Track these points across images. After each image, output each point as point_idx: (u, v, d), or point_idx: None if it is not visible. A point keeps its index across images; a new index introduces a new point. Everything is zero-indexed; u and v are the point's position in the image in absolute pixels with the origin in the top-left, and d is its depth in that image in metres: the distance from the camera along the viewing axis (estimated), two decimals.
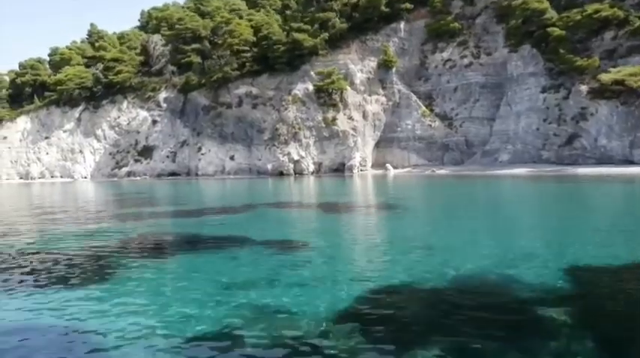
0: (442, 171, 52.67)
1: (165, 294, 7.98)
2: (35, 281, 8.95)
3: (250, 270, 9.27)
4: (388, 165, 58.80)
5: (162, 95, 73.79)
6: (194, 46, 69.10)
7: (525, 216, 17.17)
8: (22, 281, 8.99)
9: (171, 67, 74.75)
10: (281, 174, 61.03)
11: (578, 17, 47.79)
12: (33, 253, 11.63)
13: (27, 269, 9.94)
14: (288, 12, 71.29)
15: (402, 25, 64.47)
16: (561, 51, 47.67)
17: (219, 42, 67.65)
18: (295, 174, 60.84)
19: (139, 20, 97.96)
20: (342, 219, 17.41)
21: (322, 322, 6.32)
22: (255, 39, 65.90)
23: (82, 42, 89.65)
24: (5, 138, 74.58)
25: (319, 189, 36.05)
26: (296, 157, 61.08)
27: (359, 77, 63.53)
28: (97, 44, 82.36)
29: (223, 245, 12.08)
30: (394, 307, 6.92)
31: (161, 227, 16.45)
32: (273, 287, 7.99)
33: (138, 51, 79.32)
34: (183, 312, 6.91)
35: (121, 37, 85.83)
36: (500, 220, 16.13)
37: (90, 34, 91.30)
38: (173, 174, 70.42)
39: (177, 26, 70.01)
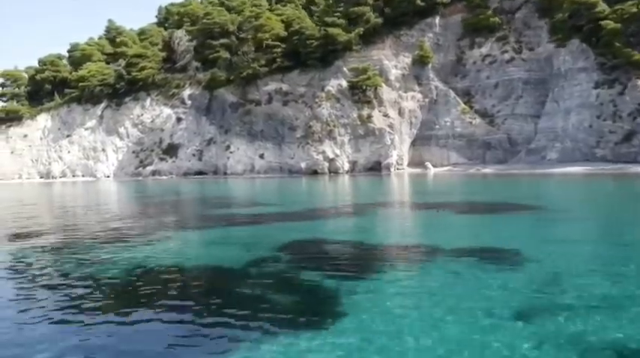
0: (487, 170, 50.88)
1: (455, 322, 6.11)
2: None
3: (507, 292, 7.36)
4: (428, 164, 56.94)
5: (187, 92, 71.89)
6: (222, 41, 67.11)
7: None
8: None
9: (195, 63, 72.88)
10: (315, 173, 59.19)
11: (634, 10, 45.96)
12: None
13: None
14: (313, 7, 69.37)
15: (437, 19, 62.73)
16: (617, 44, 45.81)
17: (249, 37, 65.71)
18: (330, 173, 59.00)
19: (156, 17, 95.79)
20: (503, 222, 15.39)
21: None
22: (286, 34, 63.91)
23: (100, 38, 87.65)
24: (25, 136, 72.65)
25: (382, 188, 34.15)
26: (331, 156, 59.23)
27: (393, 73, 61.69)
28: (117, 40, 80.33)
29: (421, 257, 10.21)
30: None
31: (306, 233, 13.90)
32: (578, 313, 6.17)
33: (160, 47, 77.46)
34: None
35: (141, 33, 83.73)
36: None
37: (108, 31, 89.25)
38: (199, 173, 68.52)
39: (204, 21, 68.01)
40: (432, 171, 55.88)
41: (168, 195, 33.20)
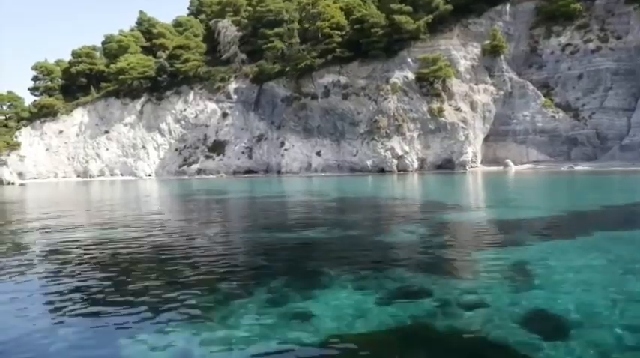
0: (581, 168, 46.73)
1: None
2: None
3: None
4: (509, 161, 52.78)
5: (233, 85, 67.72)
6: (277, 30, 62.83)
7: None
8: None
9: (241, 55, 68.69)
10: (382, 171, 55.06)
11: None
12: None
13: None
14: None
15: (508, 7, 58.67)
16: None
17: (306, 26, 61.48)
18: (398, 171, 54.87)
19: (188, 8, 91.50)
20: None
21: None
22: (346, 22, 59.75)
23: (132, 30, 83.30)
24: (61, 132, 68.31)
25: (487, 188, 29.88)
26: (400, 152, 55.08)
27: (462, 64, 57.61)
28: (153, 31, 76.09)
29: None
30: None
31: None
32: None
33: (200, 38, 73.25)
34: None
35: (178, 25, 79.50)
36: None
37: (140, 23, 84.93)
38: (248, 171, 64.33)
39: (257, 8, 63.72)
40: (512, 168, 51.78)
41: (253, 198, 28.78)
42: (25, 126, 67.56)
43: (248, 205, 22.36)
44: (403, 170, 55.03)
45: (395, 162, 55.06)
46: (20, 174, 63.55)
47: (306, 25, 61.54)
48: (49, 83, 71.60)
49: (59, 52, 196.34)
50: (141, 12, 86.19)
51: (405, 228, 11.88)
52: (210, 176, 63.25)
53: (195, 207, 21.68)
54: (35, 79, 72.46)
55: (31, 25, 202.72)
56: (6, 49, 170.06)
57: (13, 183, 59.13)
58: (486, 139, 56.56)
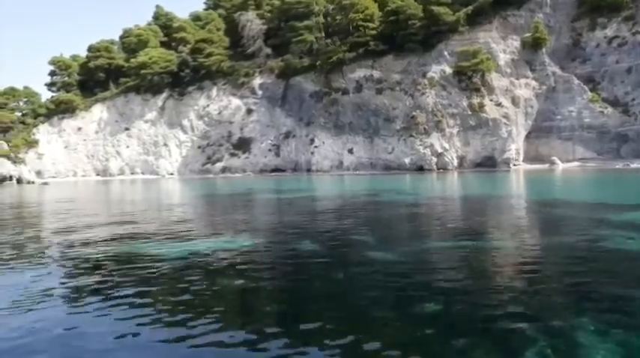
0: (638, 166, 44.35)
1: None
2: None
3: None
4: (555, 159, 50.35)
5: (257, 81, 65.35)
6: (306, 22, 60.38)
7: None
8: None
9: (266, 49, 66.27)
10: (420, 169, 52.65)
11: None
12: None
13: None
14: None
15: None
16: None
17: (338, 18, 59.05)
18: (438, 169, 52.47)
19: (205, 2, 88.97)
20: None
21: None
22: (380, 14, 57.34)
23: (149, 25, 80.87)
24: (80, 129, 65.87)
25: (555, 189, 27.51)
26: (439, 150, 52.69)
27: (502, 58, 55.20)
28: (173, 25, 73.67)
29: None
30: None
31: None
32: None
33: (221, 32, 70.77)
34: None
35: (196, 19, 77.03)
36: None
37: (156, 17, 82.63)
38: (275, 169, 61.90)
39: (286, 0, 61.27)
40: (559, 166, 49.39)
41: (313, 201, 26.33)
42: (43, 122, 65.16)
43: (336, 209, 19.93)
44: (442, 168, 52.62)
45: (434, 159, 52.67)
46: (38, 173, 61.13)
47: (338, 18, 58.97)
48: (67, 78, 69.11)
49: (71, 48, 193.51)
50: (157, 6, 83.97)
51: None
52: (236, 174, 60.81)
53: (277, 214, 19.25)
54: (52, 74, 70.02)
55: (43, 22, 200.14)
56: (12, 48, 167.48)
57: (33, 182, 56.66)
58: (528, 136, 54.11)
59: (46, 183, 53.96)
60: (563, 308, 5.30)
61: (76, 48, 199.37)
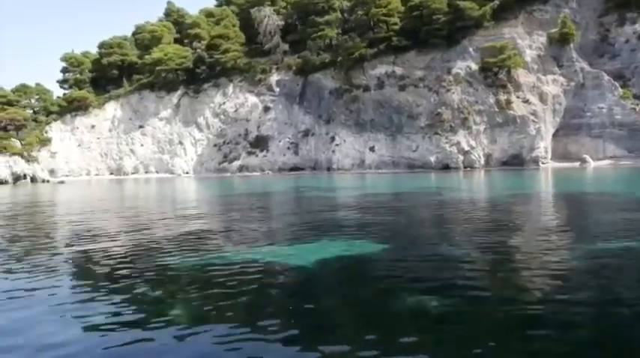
0: None
1: None
2: None
3: None
4: (587, 157, 49.04)
5: (274, 78, 64.00)
6: (327, 17, 59.01)
7: None
8: None
9: (283, 46, 64.93)
10: (446, 167, 51.36)
11: None
12: None
13: None
14: None
15: None
16: None
17: (359, 13, 57.74)
18: (464, 167, 51.19)
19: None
20: None
21: None
22: (403, 8, 56.06)
23: (161, 21, 79.44)
24: (93, 127, 64.45)
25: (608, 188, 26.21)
26: (466, 148, 51.42)
27: (528, 54, 53.98)
28: (187, 21, 72.30)
29: None
30: None
31: None
32: None
33: (236, 28, 69.35)
34: None
35: (209, 15, 75.51)
36: None
37: (168, 13, 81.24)
38: (295, 168, 60.54)
39: None
40: (591, 164, 48.15)
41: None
42: (55, 120, 63.74)
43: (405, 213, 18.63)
44: (469, 166, 51.36)
45: (461, 158, 51.43)
46: (51, 172, 59.69)
47: (360, 13, 57.63)
48: (79, 75, 67.63)
49: (74, 46, 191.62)
50: (169, 2, 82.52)
51: None
52: (254, 173, 59.44)
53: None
54: (64, 70, 68.55)
55: (45, 21, 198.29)
56: (19, 47, 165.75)
57: (47, 181, 55.25)
58: (555, 134, 52.90)
59: (62, 182, 52.58)
60: None
61: (77, 46, 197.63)
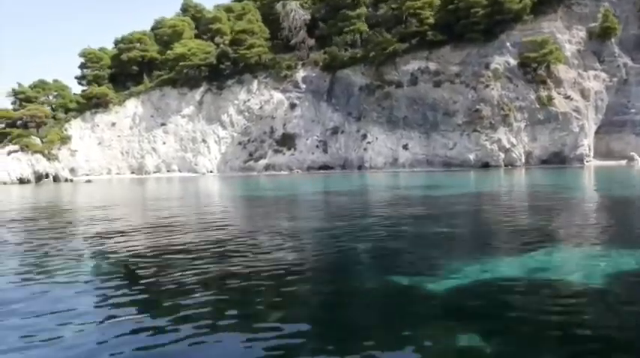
0: None
1: None
2: None
3: None
4: (634, 155, 47.49)
5: (301, 74, 62.17)
6: (359, 11, 57.21)
7: None
8: None
9: (310, 41, 63.11)
10: (485, 165, 49.72)
11: None
12: None
13: None
14: None
15: None
16: None
17: (393, 6, 55.98)
18: (505, 165, 49.55)
19: None
20: None
21: None
22: (437, 2, 54.37)
23: (178, 16, 77.39)
24: (114, 124, 62.43)
25: None
26: (507, 145, 49.77)
27: (568, 49, 52.40)
28: (207, 16, 70.32)
29: None
30: None
31: None
32: None
33: (260, 23, 67.42)
34: None
35: (229, 10, 73.50)
36: None
37: (185, 9, 79.08)
38: (324, 167, 58.74)
39: None
40: (639, 163, 46.62)
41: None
42: (75, 117, 61.72)
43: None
44: (510, 164, 49.74)
45: (502, 156, 49.77)
46: (72, 170, 57.65)
47: (393, 6, 55.88)
48: (98, 71, 65.57)
49: (92, 42, 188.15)
50: None
51: None
52: (282, 172, 57.58)
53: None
54: (82, 66, 66.48)
55: (50, 20, 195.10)
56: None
57: (71, 180, 53.26)
58: (597, 131, 51.41)
59: (89, 181, 50.60)
60: None
61: (91, 43, 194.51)
